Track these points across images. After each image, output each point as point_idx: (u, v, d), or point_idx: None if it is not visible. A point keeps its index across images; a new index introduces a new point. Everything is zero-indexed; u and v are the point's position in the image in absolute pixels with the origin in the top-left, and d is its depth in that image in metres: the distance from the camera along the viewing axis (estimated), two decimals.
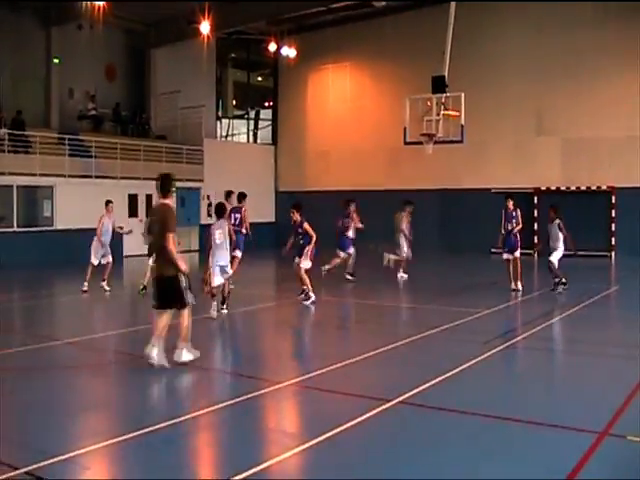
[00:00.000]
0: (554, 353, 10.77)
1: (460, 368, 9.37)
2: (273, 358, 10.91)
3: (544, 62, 28.83)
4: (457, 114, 21.56)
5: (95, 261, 17.74)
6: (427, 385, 8.52)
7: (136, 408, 8.10)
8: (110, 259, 17.99)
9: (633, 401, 7.91)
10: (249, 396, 8.15)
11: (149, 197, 29.60)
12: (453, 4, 22.65)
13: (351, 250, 19.53)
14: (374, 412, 7.51)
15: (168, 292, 9.61)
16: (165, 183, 9.75)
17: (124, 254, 27.03)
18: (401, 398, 7.97)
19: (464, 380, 9.05)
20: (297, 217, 15.65)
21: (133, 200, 29.28)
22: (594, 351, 10.72)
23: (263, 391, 8.45)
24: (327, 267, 19.00)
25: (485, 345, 10.87)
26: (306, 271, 15.37)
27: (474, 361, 9.79)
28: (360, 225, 19.63)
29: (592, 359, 10.31)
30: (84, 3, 23.25)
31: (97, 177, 27.71)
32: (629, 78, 27.03)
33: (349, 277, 19.55)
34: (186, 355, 9.69)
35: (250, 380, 9.12)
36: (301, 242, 15.78)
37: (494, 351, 10.51)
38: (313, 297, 15.08)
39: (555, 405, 8.03)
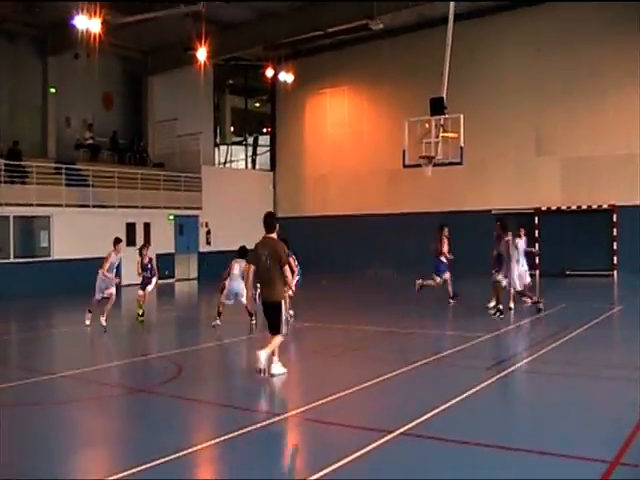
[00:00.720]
0: (559, 378, 10.46)
1: (463, 396, 9.11)
2: (271, 389, 10.63)
3: (542, 81, 28.85)
4: (456, 136, 21.38)
5: (98, 296, 17.39)
6: (430, 414, 8.27)
7: (132, 443, 7.85)
8: (113, 291, 17.55)
9: None
10: (247, 429, 7.88)
11: (147, 225, 29.48)
12: (450, 26, 22.52)
13: (447, 275, 19.21)
14: (376, 445, 7.23)
15: (271, 317, 10.68)
16: (269, 221, 11.06)
17: (122, 283, 26.75)
18: (403, 429, 7.71)
19: (467, 408, 8.79)
20: None
21: (131, 229, 29.08)
22: (600, 375, 10.46)
23: (261, 424, 8.19)
24: (421, 282, 19.12)
25: (488, 371, 10.62)
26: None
27: (477, 388, 9.53)
28: (446, 251, 19.10)
29: (598, 383, 10.06)
30: (80, 32, 23.10)
31: (95, 206, 27.56)
32: (628, 96, 27.01)
33: (451, 300, 19.18)
34: (277, 369, 10.74)
35: (247, 412, 8.86)
36: None
37: (497, 377, 10.27)
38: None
39: (562, 433, 7.74)
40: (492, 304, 17.05)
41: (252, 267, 10.86)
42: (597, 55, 27.69)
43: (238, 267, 15.38)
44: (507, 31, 29.92)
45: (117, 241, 17.64)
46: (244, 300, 15.36)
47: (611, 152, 27.43)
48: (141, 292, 17.94)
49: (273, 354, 10.71)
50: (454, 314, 17.96)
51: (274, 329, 10.65)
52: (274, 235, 11.01)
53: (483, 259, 27.01)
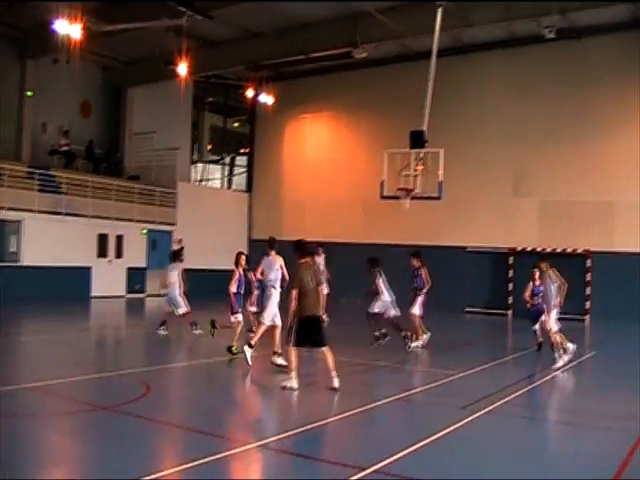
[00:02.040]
0: (535, 422, 10.32)
1: (438, 435, 8.88)
2: (241, 416, 10.37)
3: (524, 124, 29.06)
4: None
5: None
6: (404, 453, 8.02)
7: (93, 465, 7.49)
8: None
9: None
10: (214, 457, 7.55)
11: (119, 238, 29.10)
12: (434, 60, 22.59)
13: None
14: None
15: (315, 330, 11.64)
16: (300, 247, 12.10)
17: (92, 294, 26.42)
18: (377, 467, 7.44)
19: (442, 448, 8.55)
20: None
21: (103, 240, 28.71)
22: (576, 421, 10.30)
23: (229, 452, 7.87)
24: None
25: (463, 410, 10.40)
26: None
27: (452, 427, 9.31)
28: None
29: (574, 430, 9.88)
30: (61, 37, 22.80)
31: (67, 214, 27.11)
32: (609, 143, 27.38)
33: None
34: (337, 382, 11.50)
35: (215, 439, 8.54)
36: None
37: (473, 417, 10.03)
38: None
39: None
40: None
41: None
42: (580, 100, 27.98)
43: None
44: (491, 70, 30.13)
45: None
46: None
47: (589, 198, 27.65)
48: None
49: (334, 369, 11.63)
50: (429, 350, 17.77)
51: (321, 341, 11.75)
52: (309, 259, 12.13)
53: (457, 295, 27.23)
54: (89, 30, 23.47)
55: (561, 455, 8.62)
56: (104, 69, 33.68)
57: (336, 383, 11.48)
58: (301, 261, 11.83)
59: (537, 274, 16.63)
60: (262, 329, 13.71)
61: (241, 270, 15.28)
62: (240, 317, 15.04)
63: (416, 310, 17.49)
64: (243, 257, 15.62)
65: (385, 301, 16.90)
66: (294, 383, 11.49)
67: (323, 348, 11.66)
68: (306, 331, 11.52)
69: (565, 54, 28.14)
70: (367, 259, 17.40)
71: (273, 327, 13.76)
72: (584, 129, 27.86)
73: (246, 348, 13.42)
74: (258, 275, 14.88)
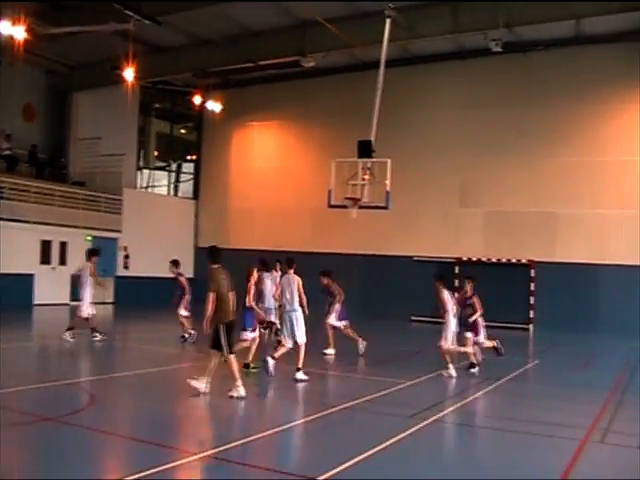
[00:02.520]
0: (481, 430, 10.40)
1: (386, 444, 8.90)
2: (187, 426, 10.24)
3: (470, 136, 29.39)
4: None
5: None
6: (353, 461, 8.02)
7: (38, 477, 7.30)
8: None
9: None
10: (160, 468, 7.45)
11: (63, 244, 28.64)
12: (382, 70, 22.72)
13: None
14: None
15: (233, 335, 12.05)
16: (213, 253, 12.29)
17: (35, 302, 25.93)
18: (326, 476, 7.43)
19: (390, 457, 8.57)
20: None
21: (47, 246, 28.22)
22: (521, 429, 10.37)
23: (176, 463, 7.78)
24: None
25: (411, 419, 10.44)
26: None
27: (400, 436, 9.34)
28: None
29: (519, 438, 9.94)
30: (5, 39, 22.36)
31: (9, 220, 26.53)
32: (550, 157, 27.90)
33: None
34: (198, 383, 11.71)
35: (161, 450, 8.41)
36: None
37: (420, 426, 10.08)
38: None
39: None
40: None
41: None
42: (522, 113, 28.40)
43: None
44: (439, 82, 30.42)
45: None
46: None
47: (533, 209, 28.04)
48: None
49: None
50: (375, 359, 17.81)
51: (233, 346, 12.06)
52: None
53: (403, 304, 27.33)
54: (33, 32, 23.05)
55: (507, 463, 8.68)
56: (49, 73, 33.08)
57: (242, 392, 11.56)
58: (214, 266, 11.99)
59: (469, 286, 16.58)
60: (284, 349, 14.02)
61: (252, 283, 14.96)
62: (255, 334, 14.70)
63: (332, 320, 17.53)
64: (252, 270, 15.39)
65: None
66: (241, 392, 11.51)
67: (231, 356, 11.76)
68: (231, 337, 11.84)
69: (511, 68, 28.54)
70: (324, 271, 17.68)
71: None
72: (528, 142, 28.26)
73: (269, 359, 13.74)
74: (277, 295, 14.72)
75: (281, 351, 13.96)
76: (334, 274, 17.74)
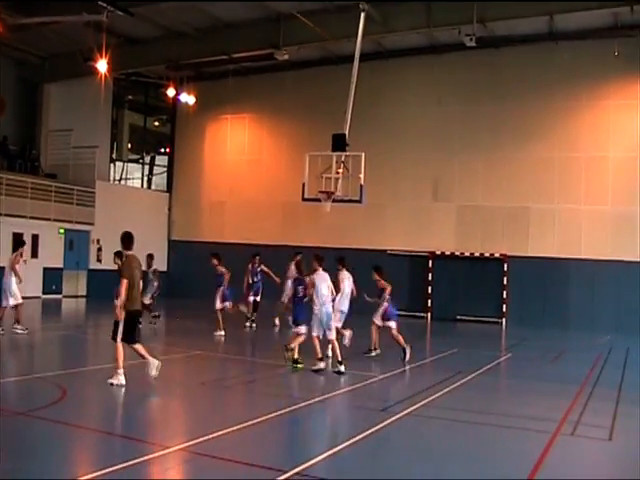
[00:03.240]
0: (453, 423, 10.45)
1: (358, 437, 8.95)
2: (160, 419, 10.22)
3: (442, 132, 29.52)
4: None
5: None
6: (325, 455, 8.09)
7: (9, 471, 7.20)
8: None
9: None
10: (132, 462, 7.44)
11: (35, 237, 28.38)
12: (356, 64, 22.70)
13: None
14: None
15: (137, 326, 12.30)
16: (126, 240, 12.20)
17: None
18: (297, 469, 7.45)
19: (362, 450, 8.62)
20: None
21: (18, 239, 27.89)
22: (493, 422, 10.49)
23: (149, 457, 7.77)
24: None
25: (382, 413, 10.50)
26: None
27: (372, 430, 9.39)
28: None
29: (491, 431, 10.04)
30: None
31: None
32: (522, 153, 28.08)
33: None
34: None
35: (134, 443, 8.42)
36: None
37: (392, 419, 10.14)
38: None
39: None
40: None
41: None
42: (495, 109, 28.57)
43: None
44: (410, 76, 30.47)
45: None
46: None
47: (505, 203, 28.23)
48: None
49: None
50: (346, 353, 17.84)
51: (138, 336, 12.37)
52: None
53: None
54: (4, 23, 22.82)
55: (479, 456, 8.76)
56: (19, 64, 32.72)
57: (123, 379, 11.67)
58: (128, 253, 12.16)
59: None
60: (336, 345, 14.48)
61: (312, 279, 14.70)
62: (304, 329, 14.61)
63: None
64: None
65: None
66: (122, 380, 11.63)
67: (136, 345, 11.96)
68: (132, 326, 11.91)
69: (483, 64, 28.67)
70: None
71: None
72: (500, 137, 28.46)
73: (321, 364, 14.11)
74: (309, 290, 14.44)
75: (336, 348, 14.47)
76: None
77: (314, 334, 14.18)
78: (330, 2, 25.25)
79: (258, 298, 22.06)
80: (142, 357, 11.89)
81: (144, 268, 17.99)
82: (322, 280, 14.30)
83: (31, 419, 9.34)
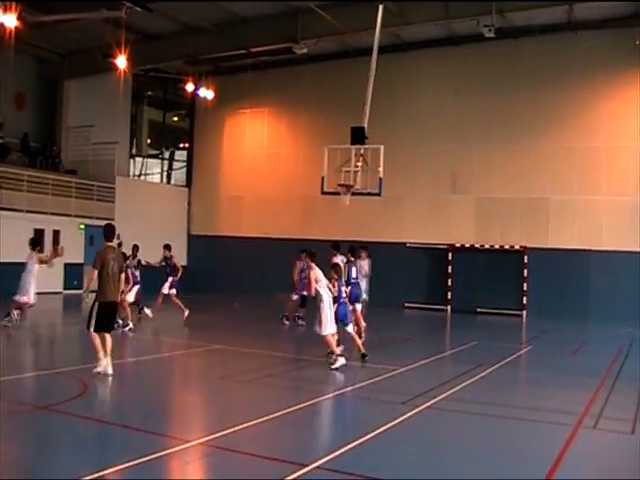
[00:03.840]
0: (474, 416, 10.42)
1: (378, 430, 8.94)
2: (180, 413, 10.27)
3: (460, 121, 29.39)
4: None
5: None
6: (345, 449, 8.07)
7: (32, 466, 7.36)
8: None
9: (556, 474, 7.60)
10: (153, 456, 7.49)
11: (56, 233, 28.56)
12: (374, 56, 22.64)
13: None
14: (290, 478, 6.95)
15: (113, 316, 12.54)
16: (108, 231, 12.47)
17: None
18: (318, 463, 7.48)
19: (383, 444, 8.58)
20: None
21: (39, 235, 28.07)
22: (513, 415, 10.45)
23: (169, 451, 7.81)
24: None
25: (403, 406, 10.48)
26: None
27: (393, 423, 9.39)
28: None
29: (512, 424, 10.02)
30: None
31: (1, 209, 26.48)
32: (541, 141, 27.82)
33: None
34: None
35: (155, 437, 8.45)
36: None
37: (412, 412, 10.13)
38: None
39: (475, 476, 7.61)
40: None
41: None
42: (513, 100, 28.41)
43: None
44: (427, 68, 30.37)
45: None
46: None
47: (524, 195, 28.08)
48: None
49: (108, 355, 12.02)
50: (367, 345, 17.84)
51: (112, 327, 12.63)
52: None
53: (396, 290, 27.37)
54: (24, 20, 22.90)
55: (500, 449, 8.74)
56: (40, 61, 32.94)
57: (110, 369, 11.90)
58: (107, 244, 12.37)
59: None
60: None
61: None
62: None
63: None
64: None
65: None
66: (108, 369, 11.89)
67: (107, 334, 12.17)
68: (105, 316, 12.06)
69: (502, 54, 28.49)
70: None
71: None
72: (519, 128, 28.28)
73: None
74: (313, 282, 14.27)
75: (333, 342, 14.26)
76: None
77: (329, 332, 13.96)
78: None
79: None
80: (96, 350, 11.98)
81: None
82: (322, 275, 14.17)
83: (52, 413, 9.42)
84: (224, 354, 15.55)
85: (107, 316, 12.13)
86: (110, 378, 11.72)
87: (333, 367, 13.62)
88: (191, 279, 31.58)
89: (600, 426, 9.87)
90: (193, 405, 10.94)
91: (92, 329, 11.88)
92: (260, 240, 29.70)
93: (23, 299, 17.35)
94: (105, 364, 11.85)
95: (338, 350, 14.07)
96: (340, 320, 14.24)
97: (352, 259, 17.42)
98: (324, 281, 14.02)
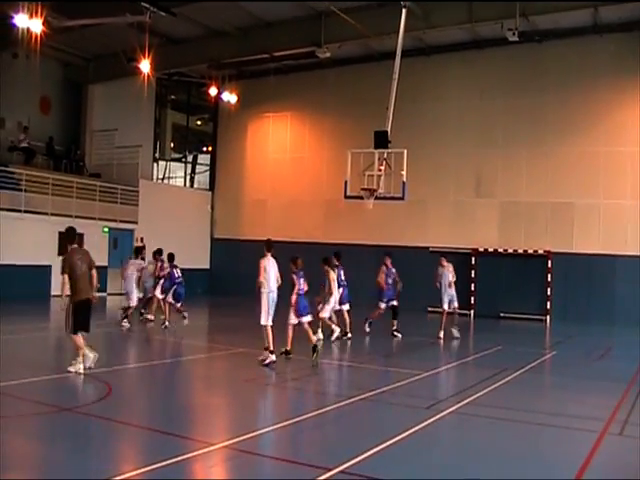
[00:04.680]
0: (498, 422, 10.34)
1: (402, 435, 8.89)
2: (204, 416, 10.27)
3: (484, 124, 29.28)
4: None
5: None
6: (369, 453, 8.02)
7: (52, 468, 7.35)
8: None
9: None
10: (178, 459, 7.49)
11: (80, 236, 28.63)
12: (398, 60, 22.64)
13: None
14: None
15: (89, 313, 12.43)
16: (69, 234, 12.93)
17: (52, 293, 26.01)
18: (342, 467, 7.43)
19: (407, 448, 8.54)
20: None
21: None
22: (538, 420, 10.34)
23: (193, 454, 7.81)
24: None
25: (427, 410, 10.44)
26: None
27: (417, 427, 9.34)
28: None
29: (536, 429, 9.90)
30: (20, 31, 22.41)
31: (26, 212, 26.69)
32: (567, 145, 27.67)
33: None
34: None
35: (179, 440, 8.45)
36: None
37: (437, 417, 10.08)
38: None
39: None
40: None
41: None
42: (538, 103, 28.29)
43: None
44: (451, 72, 30.28)
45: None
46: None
47: (549, 199, 27.93)
48: None
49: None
50: (390, 349, 17.81)
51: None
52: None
53: (419, 294, 27.25)
54: (50, 25, 23.14)
55: (524, 455, 8.65)
56: (65, 65, 33.20)
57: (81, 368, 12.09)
58: (71, 247, 12.61)
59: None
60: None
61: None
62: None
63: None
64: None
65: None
66: (80, 367, 12.08)
67: (75, 335, 12.23)
68: (83, 315, 12.24)
69: (526, 57, 28.39)
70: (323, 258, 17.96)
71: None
72: (544, 132, 28.15)
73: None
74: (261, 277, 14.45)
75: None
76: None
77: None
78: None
79: (396, 302, 19.98)
80: (78, 348, 12.22)
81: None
82: (271, 266, 14.37)
83: (77, 415, 9.47)
84: (247, 357, 15.54)
85: (84, 313, 12.26)
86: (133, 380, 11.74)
87: (263, 363, 13.83)
88: (215, 282, 31.69)
89: (627, 433, 9.75)
90: (217, 408, 10.94)
91: (72, 330, 12.10)
92: (284, 244, 29.55)
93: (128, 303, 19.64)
94: (92, 358, 12.19)
95: (289, 345, 14.46)
96: (300, 311, 14.48)
97: (337, 264, 18.34)
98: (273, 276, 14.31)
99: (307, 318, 14.55)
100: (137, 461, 7.72)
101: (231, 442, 8.37)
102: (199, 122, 40.22)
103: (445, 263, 19.92)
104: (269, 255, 14.56)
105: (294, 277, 14.57)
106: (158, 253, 20.80)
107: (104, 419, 9.22)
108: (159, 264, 20.46)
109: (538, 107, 28.32)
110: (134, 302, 19.69)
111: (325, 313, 17.32)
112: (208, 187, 37.27)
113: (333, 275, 17.38)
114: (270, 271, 14.27)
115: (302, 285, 14.66)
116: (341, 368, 14.67)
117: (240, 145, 36.06)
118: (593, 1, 24.03)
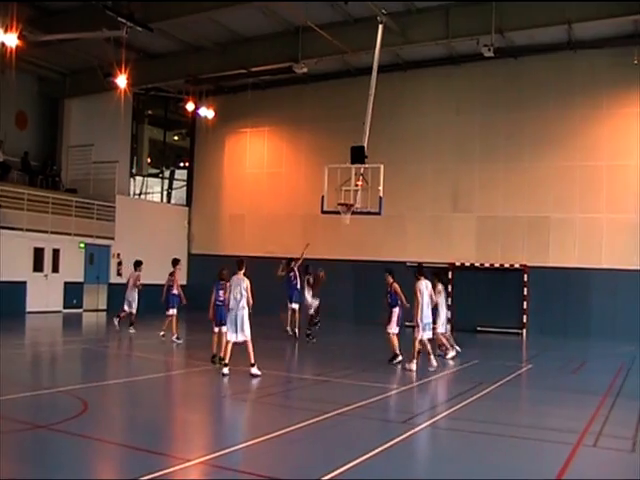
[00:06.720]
0: (473, 435, 10.36)
1: (378, 449, 8.87)
2: (181, 432, 10.22)
3: (461, 140, 29.52)
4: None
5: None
6: (345, 467, 8.00)
7: None
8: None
9: None
10: (154, 475, 7.42)
11: (56, 252, 28.61)
12: (374, 75, 22.77)
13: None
14: None
15: None
16: None
17: (27, 309, 25.82)
18: None
19: (383, 463, 8.52)
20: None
21: (39, 254, 28.17)
22: (513, 434, 10.40)
23: (169, 470, 7.75)
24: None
25: (403, 425, 10.45)
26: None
27: (393, 442, 9.32)
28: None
29: (512, 443, 9.96)
30: None
31: (1, 227, 26.52)
32: (541, 163, 28.10)
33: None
34: None
35: (155, 456, 8.39)
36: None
37: (413, 431, 10.09)
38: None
39: None
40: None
41: None
42: (514, 118, 28.59)
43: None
44: (428, 87, 30.54)
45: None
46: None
47: (525, 213, 28.23)
48: None
49: None
50: (367, 365, 17.79)
51: None
52: None
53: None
54: (25, 39, 23.04)
55: (500, 468, 8.65)
56: (41, 79, 33.07)
57: None
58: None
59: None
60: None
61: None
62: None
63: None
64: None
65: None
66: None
67: None
68: None
69: (502, 73, 28.76)
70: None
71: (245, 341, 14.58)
72: (519, 147, 28.48)
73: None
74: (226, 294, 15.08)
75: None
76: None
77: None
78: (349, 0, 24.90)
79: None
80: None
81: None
82: (237, 284, 14.60)
83: (52, 432, 9.36)
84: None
85: None
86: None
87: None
88: (192, 298, 31.48)
89: (600, 444, 9.82)
90: (194, 424, 10.88)
91: None
92: (262, 259, 29.58)
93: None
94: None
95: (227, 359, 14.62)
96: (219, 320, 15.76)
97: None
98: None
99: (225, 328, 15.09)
100: (112, 478, 7.66)
101: (208, 458, 8.33)
102: (176, 137, 40.18)
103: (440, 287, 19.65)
104: (240, 273, 14.70)
105: (213, 288, 15.86)
106: (137, 265, 22.34)
107: (79, 436, 9.13)
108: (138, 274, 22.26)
109: (515, 122, 28.61)
110: (134, 309, 22.04)
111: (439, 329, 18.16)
112: (185, 202, 37.19)
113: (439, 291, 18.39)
114: (234, 290, 14.57)
115: (221, 295, 15.72)
116: (317, 383, 14.63)
117: (217, 160, 36.04)
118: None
